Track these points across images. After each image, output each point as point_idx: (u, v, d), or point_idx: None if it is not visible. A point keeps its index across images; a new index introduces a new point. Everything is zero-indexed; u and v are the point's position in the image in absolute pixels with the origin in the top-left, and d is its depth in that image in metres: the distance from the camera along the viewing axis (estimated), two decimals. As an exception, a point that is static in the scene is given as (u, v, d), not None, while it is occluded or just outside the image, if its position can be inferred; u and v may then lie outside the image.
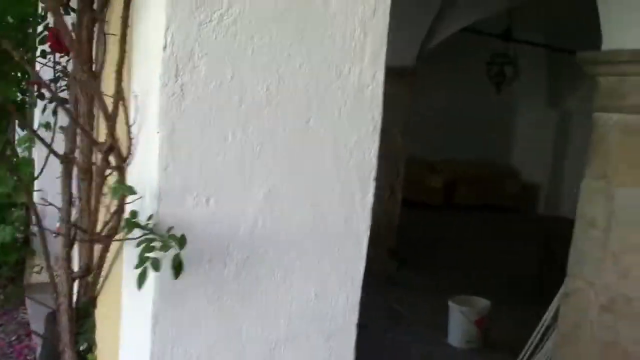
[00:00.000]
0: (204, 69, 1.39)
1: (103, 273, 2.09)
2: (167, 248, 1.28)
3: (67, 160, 2.27)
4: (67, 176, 2.27)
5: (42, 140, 2.31)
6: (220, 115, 1.42)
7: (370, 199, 1.62)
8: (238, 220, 1.47)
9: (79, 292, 2.20)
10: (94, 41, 2.04)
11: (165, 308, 1.43)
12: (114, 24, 1.84)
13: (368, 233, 1.64)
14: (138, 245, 1.30)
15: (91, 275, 2.17)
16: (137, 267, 1.27)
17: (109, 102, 1.71)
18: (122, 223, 1.54)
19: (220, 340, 1.50)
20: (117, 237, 1.64)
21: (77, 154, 2.26)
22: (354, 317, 1.66)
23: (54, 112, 2.67)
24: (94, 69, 2.02)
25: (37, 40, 2.53)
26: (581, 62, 3.21)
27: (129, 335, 1.66)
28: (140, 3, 1.57)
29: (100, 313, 2.12)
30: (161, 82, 1.36)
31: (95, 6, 2.02)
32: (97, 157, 1.86)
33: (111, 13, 1.97)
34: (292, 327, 1.58)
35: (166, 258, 1.32)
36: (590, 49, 3.19)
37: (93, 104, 2.14)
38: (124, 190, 1.37)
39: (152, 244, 1.28)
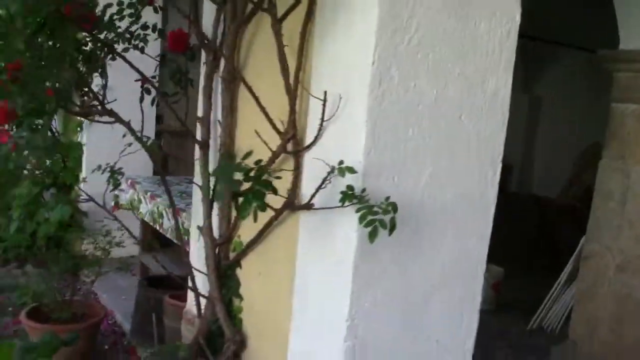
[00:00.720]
0: (397, 79, 1.84)
1: (244, 240, 2.51)
2: (387, 212, 1.74)
3: (205, 146, 2.69)
4: (204, 159, 2.69)
5: (132, 131, 2.68)
6: (406, 114, 1.88)
7: (497, 177, 2.11)
8: (412, 194, 1.94)
9: (219, 255, 2.62)
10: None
11: (363, 259, 1.89)
12: (266, 35, 2.24)
13: (495, 204, 2.13)
14: (358, 210, 1.75)
15: (232, 242, 2.60)
16: (366, 226, 1.71)
17: (280, 99, 2.14)
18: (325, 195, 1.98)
19: (396, 285, 1.97)
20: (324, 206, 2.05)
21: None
22: (481, 268, 2.16)
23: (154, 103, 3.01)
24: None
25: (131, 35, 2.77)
26: (601, 60, 3.75)
27: (310, 284, 2.10)
28: (328, 23, 1.99)
29: (247, 272, 2.54)
30: (369, 89, 1.81)
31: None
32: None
33: (259, 25, 2.38)
34: (443, 276, 2.07)
35: (360, 213, 1.76)
36: (607, 47, 3.74)
37: (235, 99, 2.56)
38: (349, 170, 1.80)
39: (374, 209, 1.73)
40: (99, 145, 4.81)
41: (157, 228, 4.10)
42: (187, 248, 2.97)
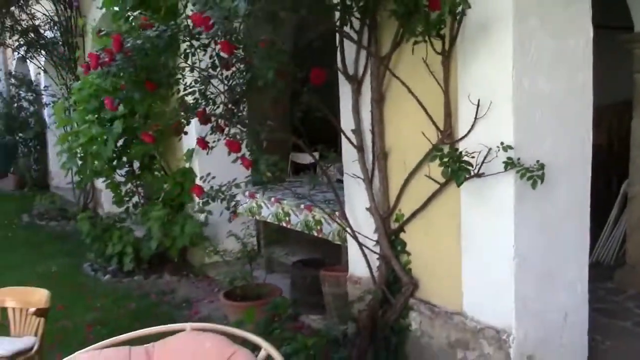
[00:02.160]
0: (526, 84, 2.85)
1: (408, 210, 3.51)
2: (538, 170, 2.75)
3: (361, 149, 3.69)
4: (362, 159, 3.68)
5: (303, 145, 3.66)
6: (533, 106, 2.89)
7: (590, 142, 3.13)
8: (541, 158, 2.93)
9: (385, 227, 3.62)
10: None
11: (518, 204, 2.90)
12: (410, 62, 3.25)
13: (590, 161, 3.14)
14: (518, 172, 2.76)
15: (394, 214, 3.60)
16: (528, 180, 2.73)
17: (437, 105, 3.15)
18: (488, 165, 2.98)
19: (538, 218, 2.98)
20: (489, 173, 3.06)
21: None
22: (586, 204, 3.17)
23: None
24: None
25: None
26: (622, 41, 4.76)
27: (475, 237, 3.10)
28: (468, 52, 2.99)
29: (411, 235, 3.54)
30: (512, 94, 2.82)
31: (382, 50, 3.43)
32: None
33: (404, 55, 3.37)
34: (565, 210, 3.08)
35: (519, 177, 2.78)
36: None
37: (382, 113, 3.56)
38: (509, 148, 2.80)
39: (529, 169, 2.74)
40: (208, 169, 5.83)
41: (284, 225, 5.11)
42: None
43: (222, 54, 3.42)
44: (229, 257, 5.36)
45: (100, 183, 9.05)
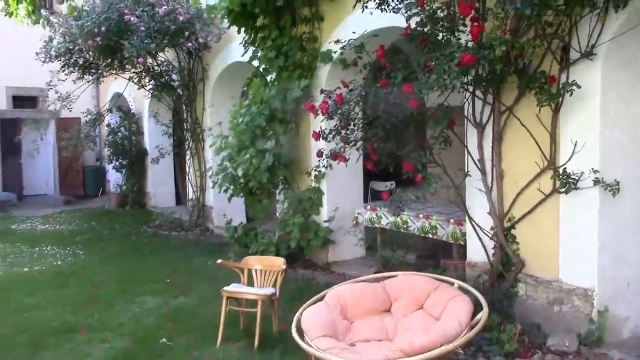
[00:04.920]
0: (608, 131, 4.59)
1: (518, 214, 5.21)
2: (617, 185, 4.47)
3: (484, 173, 5.42)
4: (484, 179, 5.41)
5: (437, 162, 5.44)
6: (610, 147, 4.62)
7: (645, 168, 4.85)
8: (615, 177, 4.63)
9: (501, 225, 5.32)
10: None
11: (603, 210, 4.60)
12: (525, 114, 5.01)
13: (645, 180, 4.86)
14: (603, 186, 4.48)
15: (507, 217, 5.30)
16: (610, 192, 4.44)
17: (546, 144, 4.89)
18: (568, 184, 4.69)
19: (612, 218, 4.68)
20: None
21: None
22: (643, 210, 4.89)
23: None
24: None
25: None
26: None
27: (570, 231, 4.79)
28: (569, 111, 4.74)
29: (521, 231, 5.23)
30: (599, 139, 4.56)
31: (508, 102, 5.18)
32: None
33: (521, 108, 5.12)
34: (629, 215, 4.78)
35: (603, 190, 4.50)
36: None
37: (500, 149, 5.30)
38: (596, 172, 4.51)
39: (610, 185, 4.46)
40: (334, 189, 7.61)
41: (403, 231, 6.84)
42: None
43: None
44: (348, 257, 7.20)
45: (210, 201, 10.96)
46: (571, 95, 4.57)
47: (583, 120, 4.69)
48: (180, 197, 13.94)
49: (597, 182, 4.55)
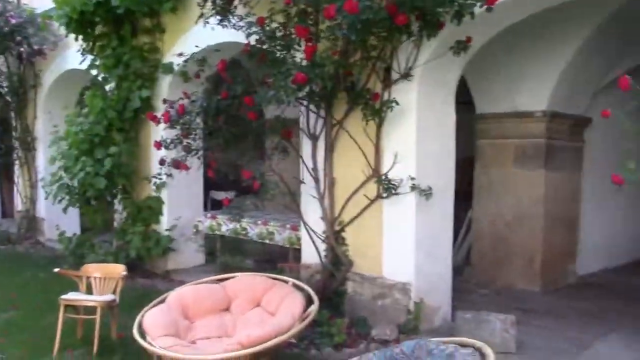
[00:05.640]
0: (423, 143, 5.23)
1: (347, 218, 5.71)
2: (430, 190, 5.10)
3: (317, 181, 5.88)
4: (317, 186, 5.86)
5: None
6: (424, 156, 5.27)
7: (453, 173, 5.56)
8: (427, 182, 5.28)
9: (332, 228, 5.79)
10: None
11: (418, 213, 5.23)
12: (353, 127, 5.54)
13: (453, 187, 5.57)
14: (419, 192, 5.10)
15: (337, 220, 5.78)
16: (423, 196, 5.06)
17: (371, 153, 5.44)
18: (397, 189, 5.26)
19: (427, 221, 5.33)
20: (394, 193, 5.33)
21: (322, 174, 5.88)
22: (450, 218, 5.59)
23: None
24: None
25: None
26: (472, 118, 7.38)
27: (392, 231, 5.36)
28: (390, 126, 5.32)
29: (350, 234, 5.73)
30: (415, 150, 5.18)
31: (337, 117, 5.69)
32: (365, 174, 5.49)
33: (350, 121, 5.63)
34: (442, 219, 5.46)
35: (418, 194, 5.12)
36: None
37: (332, 159, 5.78)
38: (413, 179, 5.10)
39: (423, 190, 5.09)
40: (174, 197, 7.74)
41: (242, 237, 7.14)
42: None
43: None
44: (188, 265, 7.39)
45: (41, 212, 10.52)
46: (391, 110, 5.14)
47: (402, 134, 5.29)
48: (5, 208, 13.14)
49: (413, 187, 5.16)
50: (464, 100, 7.36)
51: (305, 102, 5.69)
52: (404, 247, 5.33)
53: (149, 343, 3.88)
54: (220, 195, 9.82)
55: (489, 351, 2.72)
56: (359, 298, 5.64)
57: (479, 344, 2.82)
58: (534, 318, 5.91)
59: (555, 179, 7.01)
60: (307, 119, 5.89)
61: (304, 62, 5.07)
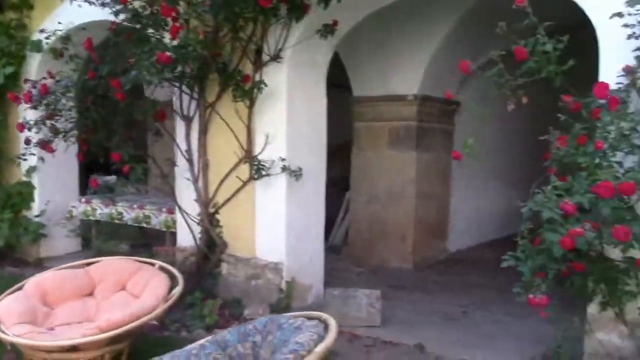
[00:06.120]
0: (295, 123, 5.31)
1: (222, 200, 5.71)
2: (300, 171, 5.20)
3: (191, 162, 5.83)
4: (191, 168, 5.82)
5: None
6: (294, 138, 5.35)
7: (324, 157, 5.69)
8: (300, 164, 5.38)
9: (207, 211, 5.77)
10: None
11: (289, 193, 5.31)
12: (226, 109, 5.54)
13: (325, 170, 5.70)
14: (289, 172, 5.18)
15: (212, 202, 5.77)
16: (294, 177, 5.15)
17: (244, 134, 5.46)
18: (266, 171, 5.31)
19: (299, 200, 5.42)
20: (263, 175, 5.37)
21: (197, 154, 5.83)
22: (321, 198, 5.73)
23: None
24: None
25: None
26: (350, 101, 7.54)
27: (264, 212, 5.42)
28: (262, 107, 5.35)
29: (224, 215, 5.73)
30: (285, 131, 5.25)
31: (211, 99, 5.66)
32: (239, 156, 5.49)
33: (222, 103, 5.62)
34: (308, 195, 5.57)
35: (288, 175, 5.20)
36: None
37: (205, 140, 5.75)
38: (284, 160, 5.17)
39: (294, 171, 5.17)
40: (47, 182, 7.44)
41: (117, 222, 6.98)
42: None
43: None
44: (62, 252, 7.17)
45: None
46: (261, 92, 5.18)
47: (273, 115, 5.34)
48: None
49: (284, 169, 5.23)
50: (345, 84, 7.57)
51: (177, 84, 5.61)
52: (275, 227, 5.41)
53: (2, 331, 3.73)
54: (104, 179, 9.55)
55: (332, 322, 2.82)
56: (233, 279, 5.67)
57: (324, 316, 2.92)
58: (403, 293, 6.19)
59: (426, 160, 7.33)
60: (180, 100, 5.81)
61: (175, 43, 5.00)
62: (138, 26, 5.14)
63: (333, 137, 8.99)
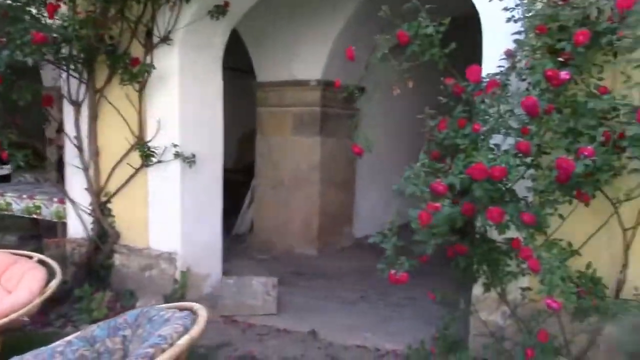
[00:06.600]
0: (188, 111, 5.13)
1: (113, 188, 5.48)
2: (193, 158, 5.03)
3: (80, 149, 5.55)
4: (81, 156, 5.54)
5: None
6: (193, 122, 5.18)
7: (220, 143, 5.54)
8: (193, 151, 5.22)
9: (98, 200, 5.52)
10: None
11: (183, 181, 5.14)
12: (116, 93, 5.30)
13: (222, 157, 5.55)
14: (183, 159, 5.01)
15: (103, 191, 5.52)
16: (187, 163, 4.98)
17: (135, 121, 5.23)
18: (161, 156, 5.12)
19: (194, 185, 5.26)
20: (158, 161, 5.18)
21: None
22: (219, 185, 5.58)
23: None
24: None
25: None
26: (253, 86, 7.40)
27: (157, 201, 5.23)
28: (154, 91, 5.14)
29: (116, 204, 5.49)
30: (178, 115, 5.07)
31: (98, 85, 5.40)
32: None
33: (112, 87, 5.37)
34: (207, 180, 5.42)
35: (182, 162, 5.04)
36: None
37: (95, 126, 5.49)
38: (176, 146, 4.98)
39: (187, 157, 5.01)
40: None
41: (7, 213, 6.59)
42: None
43: None
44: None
45: None
46: (149, 75, 4.98)
47: (165, 100, 5.14)
48: None
49: (177, 155, 5.05)
50: (250, 69, 7.42)
51: (64, 66, 5.32)
52: (169, 216, 5.23)
53: None
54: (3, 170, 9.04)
55: (202, 312, 2.71)
56: (126, 270, 5.46)
57: (196, 306, 2.81)
58: (304, 280, 6.15)
59: (330, 145, 7.29)
60: (68, 84, 5.52)
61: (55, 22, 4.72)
62: (15, 4, 4.81)
63: (244, 124, 9.00)
